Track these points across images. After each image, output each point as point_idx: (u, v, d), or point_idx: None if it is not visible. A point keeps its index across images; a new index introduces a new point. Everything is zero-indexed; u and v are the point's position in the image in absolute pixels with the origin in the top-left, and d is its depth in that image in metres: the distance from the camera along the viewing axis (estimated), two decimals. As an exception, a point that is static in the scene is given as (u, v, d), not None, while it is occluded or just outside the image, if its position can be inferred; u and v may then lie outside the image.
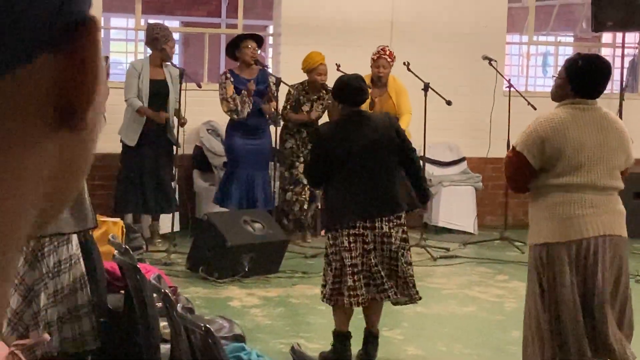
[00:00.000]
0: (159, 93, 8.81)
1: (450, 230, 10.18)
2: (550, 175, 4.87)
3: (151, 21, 14.02)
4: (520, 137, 4.97)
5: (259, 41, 9.13)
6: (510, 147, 5.07)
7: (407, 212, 5.87)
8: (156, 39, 8.78)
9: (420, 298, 5.86)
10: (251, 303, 7.18)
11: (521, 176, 4.97)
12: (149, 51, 9.05)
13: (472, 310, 7.15)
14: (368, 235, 5.64)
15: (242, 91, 8.83)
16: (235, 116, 8.88)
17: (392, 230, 5.68)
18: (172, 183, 8.89)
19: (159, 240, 8.99)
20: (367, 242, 5.64)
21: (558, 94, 5.01)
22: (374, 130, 5.74)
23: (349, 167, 5.64)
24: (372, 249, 5.64)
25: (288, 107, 9.17)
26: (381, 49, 9.32)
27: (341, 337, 5.81)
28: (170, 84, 8.82)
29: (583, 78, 4.89)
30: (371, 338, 5.87)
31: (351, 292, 5.62)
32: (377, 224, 5.65)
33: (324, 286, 5.78)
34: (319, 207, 9.10)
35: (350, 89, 5.75)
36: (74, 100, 0.58)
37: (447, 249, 9.28)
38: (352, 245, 5.62)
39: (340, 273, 5.64)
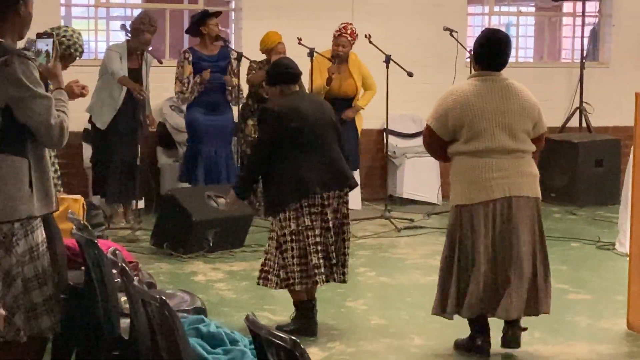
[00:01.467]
0: (134, 81, 8.75)
1: (414, 202, 10.24)
2: (459, 143, 5.29)
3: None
4: (431, 111, 5.40)
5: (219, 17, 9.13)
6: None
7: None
8: (136, 29, 8.70)
9: (345, 281, 5.90)
10: (216, 277, 7.21)
11: (435, 147, 5.46)
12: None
13: (435, 279, 7.11)
14: (327, 213, 5.69)
15: (197, 76, 8.78)
16: (180, 100, 8.91)
17: (340, 207, 5.77)
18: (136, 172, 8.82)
19: (136, 217, 8.96)
20: (325, 221, 5.70)
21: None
22: (320, 108, 5.89)
23: (303, 141, 5.65)
24: (330, 227, 5.70)
25: (253, 71, 9.14)
26: (343, 27, 9.32)
27: (307, 305, 5.84)
28: (145, 73, 8.74)
29: (480, 52, 5.38)
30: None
31: (316, 271, 5.67)
32: (331, 201, 5.71)
33: (269, 272, 5.72)
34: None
35: (283, 68, 5.84)
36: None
37: (412, 220, 9.34)
38: (314, 223, 5.65)
39: (305, 253, 5.66)
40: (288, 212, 5.63)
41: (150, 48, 8.84)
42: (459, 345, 5.61)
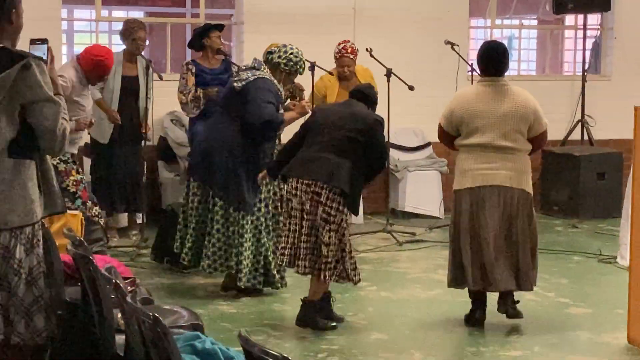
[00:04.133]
0: (130, 89, 8.80)
1: (416, 215, 10.22)
2: (460, 138, 6.20)
3: (114, 13, 13.99)
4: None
5: (222, 30, 9.10)
6: None
7: (339, 195, 6.04)
8: (126, 29, 8.83)
9: (302, 273, 6.19)
10: (216, 292, 7.18)
11: (445, 141, 6.36)
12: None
13: (436, 294, 7.19)
14: (293, 201, 6.11)
15: (199, 90, 8.71)
16: (185, 112, 8.85)
17: (306, 200, 6.04)
18: (141, 181, 8.87)
19: (135, 232, 8.99)
20: (291, 208, 6.13)
21: None
22: (342, 115, 6.22)
23: (307, 136, 6.22)
24: (295, 215, 6.10)
25: None
26: (342, 47, 9.18)
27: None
28: (142, 80, 8.80)
29: (480, 60, 6.21)
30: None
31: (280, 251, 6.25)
32: (299, 192, 6.06)
33: None
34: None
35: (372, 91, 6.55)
36: None
37: (413, 234, 9.32)
38: (285, 208, 6.23)
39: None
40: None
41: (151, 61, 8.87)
42: (465, 319, 6.36)
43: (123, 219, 9.30)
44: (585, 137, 10.95)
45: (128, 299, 3.33)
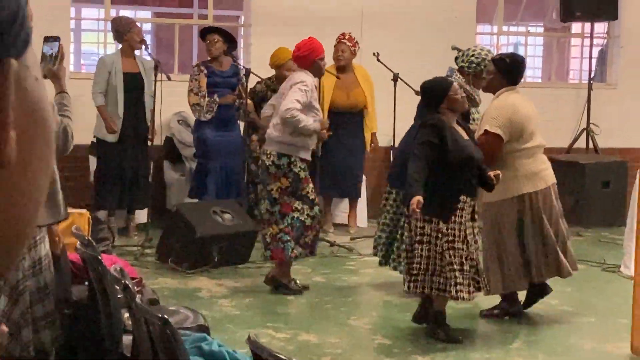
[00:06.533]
0: (134, 86, 8.82)
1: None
2: (518, 143, 6.45)
3: (122, 13, 14.02)
4: (489, 122, 6.45)
5: (226, 35, 9.08)
6: (483, 132, 6.44)
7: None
8: (117, 31, 8.88)
9: (424, 292, 6.11)
10: (220, 293, 7.19)
11: (498, 151, 6.46)
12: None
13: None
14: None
15: (215, 96, 8.76)
16: (196, 113, 8.86)
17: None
18: (148, 178, 8.91)
19: (135, 233, 9.01)
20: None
21: (492, 86, 6.65)
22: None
23: None
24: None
25: (258, 91, 9.15)
26: (341, 34, 9.35)
27: None
28: (144, 76, 8.83)
29: (516, 71, 6.63)
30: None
31: None
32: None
33: None
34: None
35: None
36: None
37: (417, 239, 9.31)
38: None
39: None
40: None
41: (149, 52, 8.92)
42: (486, 315, 6.61)
43: (121, 219, 9.29)
44: (591, 145, 10.95)
45: (137, 300, 3.34)
